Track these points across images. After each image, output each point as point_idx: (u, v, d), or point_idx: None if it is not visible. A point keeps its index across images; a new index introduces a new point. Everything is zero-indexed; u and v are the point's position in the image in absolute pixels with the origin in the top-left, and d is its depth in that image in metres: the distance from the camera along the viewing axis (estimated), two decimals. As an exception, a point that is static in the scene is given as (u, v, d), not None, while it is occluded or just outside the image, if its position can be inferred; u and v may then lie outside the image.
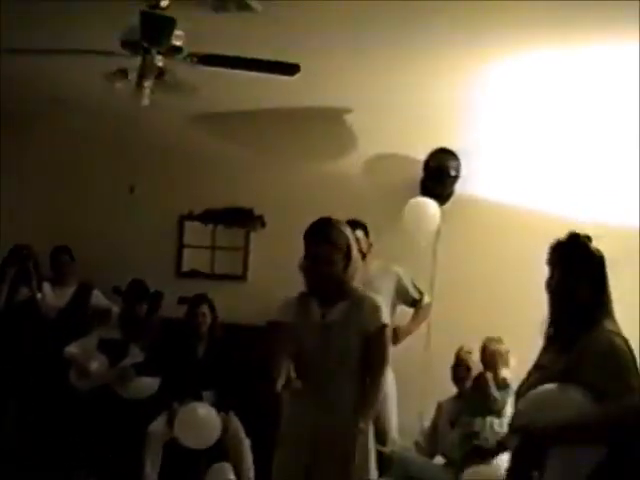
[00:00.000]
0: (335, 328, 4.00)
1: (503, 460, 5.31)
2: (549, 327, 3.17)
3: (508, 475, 3.02)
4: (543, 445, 2.72)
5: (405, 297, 6.34)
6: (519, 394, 3.07)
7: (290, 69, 4.97)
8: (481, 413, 5.30)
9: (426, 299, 6.45)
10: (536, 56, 5.42)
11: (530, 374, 3.14)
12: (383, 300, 6.12)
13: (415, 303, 6.40)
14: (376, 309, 4.07)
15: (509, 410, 5.31)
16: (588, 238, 3.15)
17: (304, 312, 4.09)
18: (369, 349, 4.00)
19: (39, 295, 6.80)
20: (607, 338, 2.95)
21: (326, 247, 3.99)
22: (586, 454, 2.75)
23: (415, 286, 6.39)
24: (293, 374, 3.91)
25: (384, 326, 4.06)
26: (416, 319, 6.42)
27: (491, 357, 5.44)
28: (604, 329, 2.99)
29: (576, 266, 3.07)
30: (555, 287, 3.10)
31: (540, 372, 3.02)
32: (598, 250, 3.13)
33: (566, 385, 2.80)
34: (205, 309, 6.46)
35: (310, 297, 4.12)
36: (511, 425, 2.95)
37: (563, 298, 3.07)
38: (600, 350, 2.91)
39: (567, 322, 3.06)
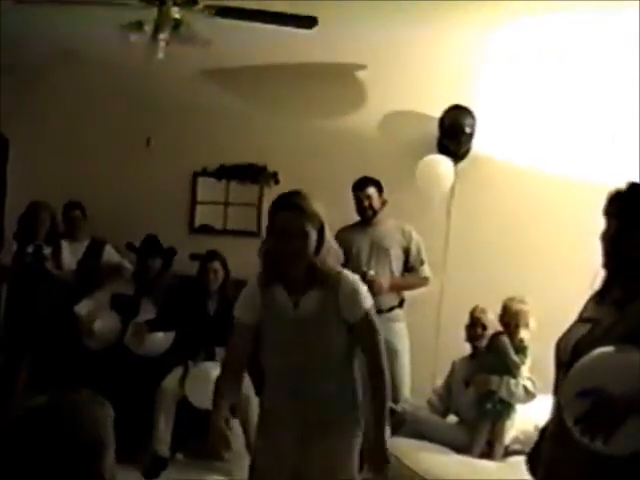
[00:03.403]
0: (310, 322, 3.50)
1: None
2: (603, 280, 2.93)
3: (566, 437, 2.76)
4: (621, 413, 2.53)
5: (406, 260, 6.32)
6: (573, 346, 2.85)
7: (307, 22, 4.93)
8: (497, 372, 5.28)
9: (425, 271, 6.35)
10: (554, 16, 5.38)
11: (575, 327, 2.95)
12: (393, 258, 6.19)
13: (411, 270, 6.35)
14: (355, 294, 3.53)
15: (525, 371, 5.31)
16: None
17: (271, 305, 3.57)
18: (357, 336, 3.57)
19: (46, 251, 6.78)
20: None
21: (298, 215, 3.41)
22: None
23: (420, 255, 6.32)
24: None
25: (367, 313, 3.55)
26: (403, 280, 6.34)
27: (513, 317, 5.38)
28: None
29: (633, 215, 2.84)
30: (610, 239, 2.89)
31: (597, 327, 2.82)
32: None
33: (627, 348, 2.62)
34: (217, 265, 6.40)
35: (273, 285, 3.58)
36: (570, 385, 2.71)
37: (618, 251, 2.87)
38: None
39: (623, 276, 2.86)
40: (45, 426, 1.94)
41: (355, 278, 3.58)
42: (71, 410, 1.99)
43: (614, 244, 2.88)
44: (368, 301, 3.56)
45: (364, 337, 3.56)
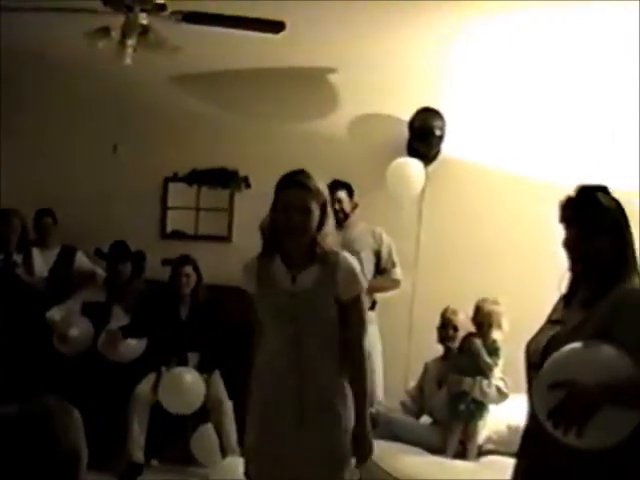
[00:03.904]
0: (306, 297, 3.58)
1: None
2: (569, 284, 2.97)
3: (541, 435, 2.76)
4: (594, 404, 2.54)
5: (377, 263, 6.34)
6: (544, 347, 2.87)
7: (275, 27, 4.93)
8: (469, 373, 5.30)
9: (396, 274, 6.37)
10: (524, 15, 5.39)
11: (544, 329, 2.97)
12: (365, 260, 6.19)
13: (383, 272, 6.37)
14: (353, 274, 3.63)
15: (497, 371, 5.34)
16: (601, 189, 2.92)
17: (268, 278, 3.65)
18: (345, 318, 3.65)
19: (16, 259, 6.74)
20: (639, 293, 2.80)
21: (301, 192, 3.54)
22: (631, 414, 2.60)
23: (391, 257, 6.36)
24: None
25: (359, 295, 3.68)
26: (375, 282, 6.26)
27: (485, 318, 5.38)
28: (633, 284, 2.81)
29: (589, 221, 2.86)
30: (573, 246, 2.90)
31: (565, 326, 2.86)
32: (611, 199, 2.90)
33: (597, 342, 2.66)
34: (189, 270, 6.40)
35: (272, 258, 3.65)
36: (542, 379, 2.73)
37: (581, 256, 2.88)
38: (634, 306, 2.74)
39: (588, 279, 2.89)
40: (18, 436, 1.85)
41: (353, 259, 3.69)
42: (44, 419, 1.89)
43: (577, 250, 2.90)
44: (363, 284, 3.68)
45: (351, 319, 3.66)
